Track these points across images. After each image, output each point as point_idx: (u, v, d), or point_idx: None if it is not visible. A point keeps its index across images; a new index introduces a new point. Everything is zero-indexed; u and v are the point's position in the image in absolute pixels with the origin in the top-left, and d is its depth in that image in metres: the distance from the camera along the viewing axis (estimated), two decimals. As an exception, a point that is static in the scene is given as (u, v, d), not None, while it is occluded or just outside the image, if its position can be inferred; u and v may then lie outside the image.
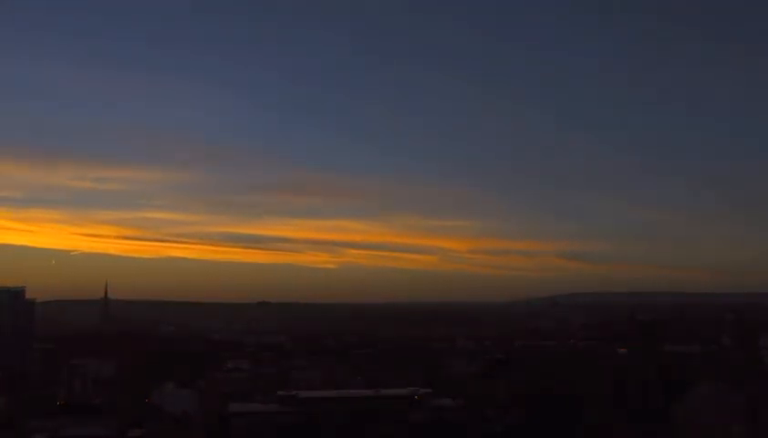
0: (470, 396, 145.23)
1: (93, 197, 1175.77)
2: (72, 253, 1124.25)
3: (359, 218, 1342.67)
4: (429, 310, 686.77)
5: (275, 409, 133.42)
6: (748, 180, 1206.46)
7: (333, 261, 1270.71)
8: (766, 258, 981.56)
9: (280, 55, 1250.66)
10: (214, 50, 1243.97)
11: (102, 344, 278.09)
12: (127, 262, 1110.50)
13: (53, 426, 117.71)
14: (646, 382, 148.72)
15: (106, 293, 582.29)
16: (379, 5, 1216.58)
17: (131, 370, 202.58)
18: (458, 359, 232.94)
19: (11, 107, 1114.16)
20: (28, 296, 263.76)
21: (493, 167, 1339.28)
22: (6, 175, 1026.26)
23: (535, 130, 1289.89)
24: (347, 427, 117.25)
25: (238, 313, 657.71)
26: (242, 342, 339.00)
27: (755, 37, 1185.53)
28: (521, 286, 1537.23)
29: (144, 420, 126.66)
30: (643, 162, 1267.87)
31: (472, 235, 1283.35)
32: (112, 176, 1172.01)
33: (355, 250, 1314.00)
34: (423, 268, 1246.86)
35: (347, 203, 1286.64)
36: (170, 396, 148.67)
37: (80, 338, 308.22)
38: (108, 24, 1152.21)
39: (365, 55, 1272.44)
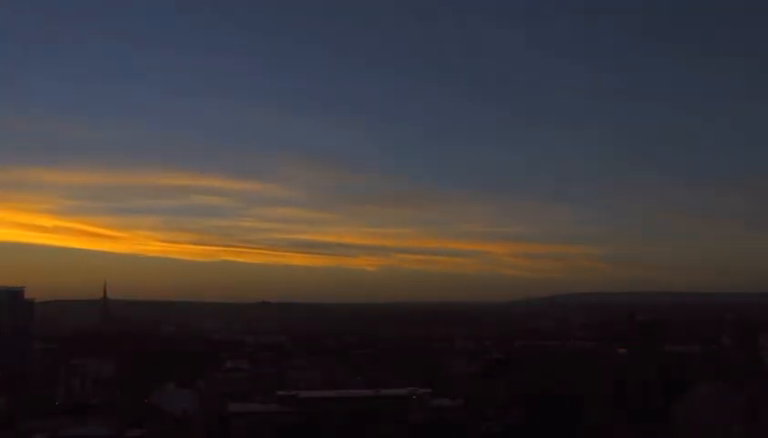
0: (470, 396, 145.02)
1: (191, 208, 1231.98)
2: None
3: (416, 225, 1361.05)
4: (429, 310, 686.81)
5: (274, 409, 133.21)
6: (748, 179, 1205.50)
7: (373, 264, 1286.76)
8: (766, 258, 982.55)
9: (340, 69, 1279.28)
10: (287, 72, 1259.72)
11: (102, 344, 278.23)
12: (179, 265, 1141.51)
13: (53, 426, 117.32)
14: (646, 382, 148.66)
15: (105, 293, 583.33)
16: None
17: (131, 370, 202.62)
18: (458, 359, 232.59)
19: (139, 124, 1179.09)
20: (28, 295, 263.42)
21: (504, 171, 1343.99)
22: (104, 185, 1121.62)
23: (534, 130, 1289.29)
24: (347, 427, 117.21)
25: (239, 313, 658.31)
26: (242, 342, 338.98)
27: (756, 36, 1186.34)
28: (521, 287, 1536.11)
29: (144, 420, 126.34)
30: (643, 162, 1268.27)
31: (508, 239, 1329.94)
32: (209, 188, 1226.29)
33: (401, 254, 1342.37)
34: (461, 271, 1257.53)
35: (408, 213, 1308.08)
36: (170, 396, 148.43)
37: (80, 338, 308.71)
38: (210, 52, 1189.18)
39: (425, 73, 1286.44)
